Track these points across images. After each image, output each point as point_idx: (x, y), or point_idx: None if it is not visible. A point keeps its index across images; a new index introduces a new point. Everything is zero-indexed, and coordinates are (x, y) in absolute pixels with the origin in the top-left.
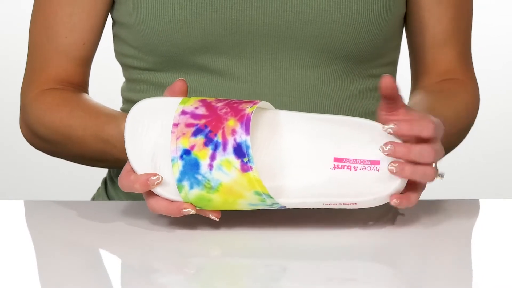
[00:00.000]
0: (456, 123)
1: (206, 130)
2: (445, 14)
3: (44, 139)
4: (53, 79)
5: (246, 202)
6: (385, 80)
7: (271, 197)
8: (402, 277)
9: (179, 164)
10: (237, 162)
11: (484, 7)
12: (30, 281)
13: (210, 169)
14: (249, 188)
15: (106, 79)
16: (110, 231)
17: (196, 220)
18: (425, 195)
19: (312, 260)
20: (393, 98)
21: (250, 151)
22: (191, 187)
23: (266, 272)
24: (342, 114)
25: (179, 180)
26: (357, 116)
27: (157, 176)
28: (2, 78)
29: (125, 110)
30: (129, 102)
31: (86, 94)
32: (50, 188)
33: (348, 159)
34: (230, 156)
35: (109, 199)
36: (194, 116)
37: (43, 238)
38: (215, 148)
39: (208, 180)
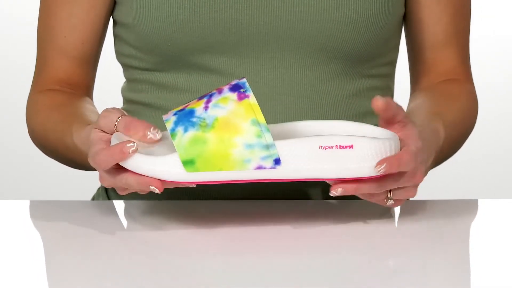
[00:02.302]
0: (459, 127)
1: (199, 97)
2: (445, 13)
3: (34, 138)
4: (53, 79)
5: (242, 141)
6: (377, 103)
7: (268, 130)
8: (401, 277)
9: (173, 118)
10: (233, 95)
11: (483, 6)
12: (32, 279)
13: (206, 110)
14: (246, 117)
15: (106, 79)
16: (109, 231)
17: (192, 224)
18: (424, 195)
19: (310, 260)
20: (393, 115)
21: (247, 85)
22: (186, 130)
23: None
24: (341, 114)
25: (173, 129)
26: (355, 115)
27: (132, 143)
28: (8, 80)
29: (126, 110)
30: (129, 102)
31: (82, 98)
32: (51, 188)
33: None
34: (226, 94)
35: (109, 199)
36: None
37: (44, 238)
38: (210, 96)
39: (204, 119)
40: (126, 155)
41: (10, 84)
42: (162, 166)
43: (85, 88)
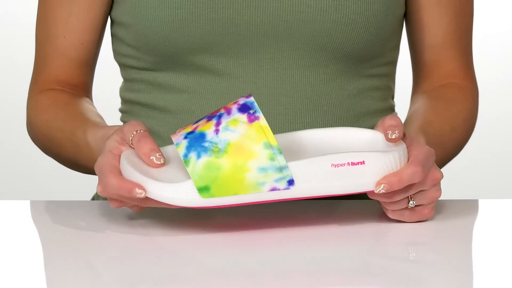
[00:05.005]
0: (453, 136)
1: (207, 116)
2: (445, 14)
3: (36, 138)
4: (53, 79)
5: (256, 164)
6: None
7: (280, 152)
8: (402, 277)
9: (184, 142)
10: (243, 117)
11: (484, 6)
12: (32, 279)
13: (217, 133)
14: (258, 140)
15: (105, 80)
16: (109, 231)
17: (193, 223)
18: None
19: (309, 264)
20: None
21: (256, 104)
22: (199, 156)
23: None
24: (341, 114)
25: (185, 155)
26: (355, 115)
27: (141, 191)
28: (8, 80)
29: (124, 111)
30: (127, 103)
31: (83, 98)
32: (51, 188)
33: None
34: (236, 115)
35: None
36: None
37: (44, 238)
38: (219, 117)
39: (216, 144)
40: (132, 196)
41: (10, 84)
42: (177, 193)
43: (85, 88)
